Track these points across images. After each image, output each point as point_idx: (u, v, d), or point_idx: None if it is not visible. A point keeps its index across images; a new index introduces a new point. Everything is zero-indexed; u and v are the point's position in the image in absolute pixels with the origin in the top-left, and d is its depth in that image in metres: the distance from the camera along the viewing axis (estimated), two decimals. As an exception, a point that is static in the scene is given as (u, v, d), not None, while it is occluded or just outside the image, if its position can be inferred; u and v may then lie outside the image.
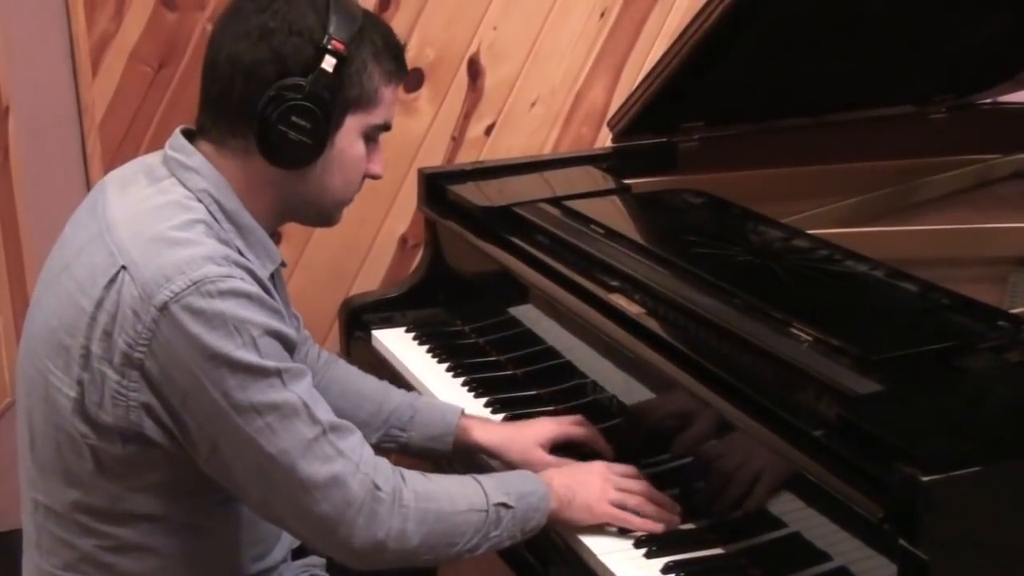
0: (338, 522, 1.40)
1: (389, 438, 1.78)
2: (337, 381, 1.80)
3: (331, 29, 1.42)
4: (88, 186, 2.37)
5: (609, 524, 1.56)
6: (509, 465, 1.72)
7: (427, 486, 1.47)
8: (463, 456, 1.77)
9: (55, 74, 2.38)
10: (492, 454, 1.74)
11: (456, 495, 1.48)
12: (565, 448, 1.73)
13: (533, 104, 2.70)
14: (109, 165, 1.59)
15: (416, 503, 1.44)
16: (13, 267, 2.40)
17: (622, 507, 1.56)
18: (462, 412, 1.78)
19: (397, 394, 1.82)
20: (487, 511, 1.48)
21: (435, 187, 2.21)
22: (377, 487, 1.42)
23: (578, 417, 1.76)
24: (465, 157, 2.67)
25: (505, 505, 1.50)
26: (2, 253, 2.37)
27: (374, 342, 2.18)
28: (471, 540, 1.48)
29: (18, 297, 2.38)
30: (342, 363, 1.86)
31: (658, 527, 1.54)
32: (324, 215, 1.55)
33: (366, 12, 1.49)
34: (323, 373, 1.80)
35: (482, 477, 1.53)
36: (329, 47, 1.42)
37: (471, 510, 1.48)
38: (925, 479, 1.16)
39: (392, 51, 1.50)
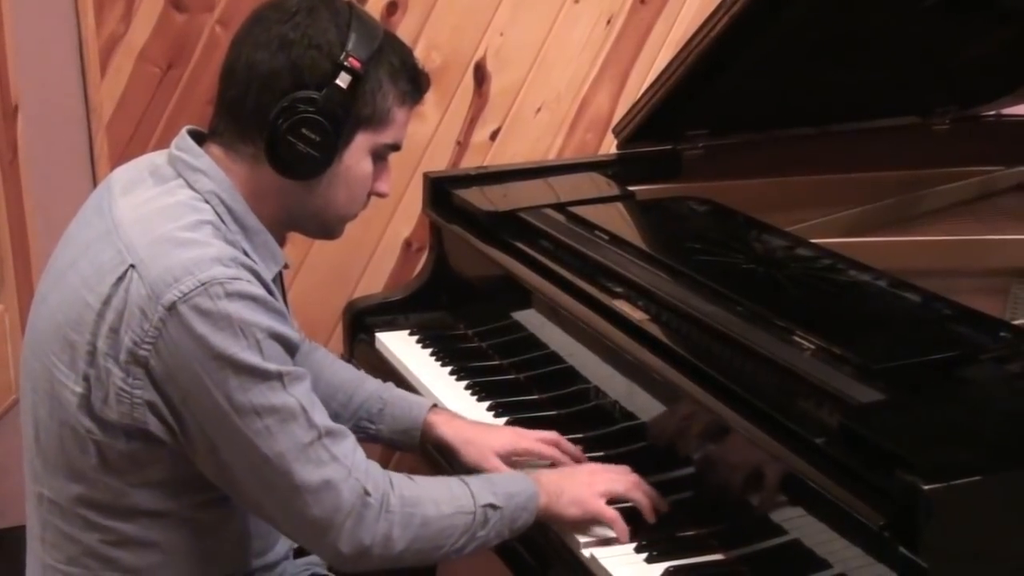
0: (327, 526, 1.42)
1: (359, 429, 1.79)
2: (311, 370, 1.80)
3: (349, 46, 1.43)
4: (95, 185, 2.37)
5: (600, 520, 1.56)
6: (463, 467, 1.71)
7: (414, 491, 1.48)
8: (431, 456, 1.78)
9: (64, 74, 2.39)
10: (450, 452, 1.74)
11: (442, 499, 1.49)
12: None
13: (538, 110, 2.71)
14: (116, 164, 1.60)
15: (402, 509, 1.46)
16: (20, 265, 2.40)
17: (612, 497, 1.56)
18: (432, 407, 1.78)
19: (369, 385, 1.82)
20: (474, 513, 1.50)
21: (440, 191, 2.21)
22: (367, 493, 1.43)
23: (550, 434, 1.73)
24: (470, 162, 2.67)
25: (492, 506, 1.51)
26: (10, 251, 2.38)
27: (378, 345, 2.18)
28: (457, 542, 1.49)
29: (25, 295, 2.39)
30: (321, 351, 1.87)
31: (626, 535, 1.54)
32: (326, 228, 1.56)
33: (387, 32, 1.50)
34: (302, 362, 1.80)
35: (470, 478, 1.54)
36: (345, 63, 1.43)
37: (457, 513, 1.49)
38: (926, 487, 1.17)
39: (409, 73, 1.51)
